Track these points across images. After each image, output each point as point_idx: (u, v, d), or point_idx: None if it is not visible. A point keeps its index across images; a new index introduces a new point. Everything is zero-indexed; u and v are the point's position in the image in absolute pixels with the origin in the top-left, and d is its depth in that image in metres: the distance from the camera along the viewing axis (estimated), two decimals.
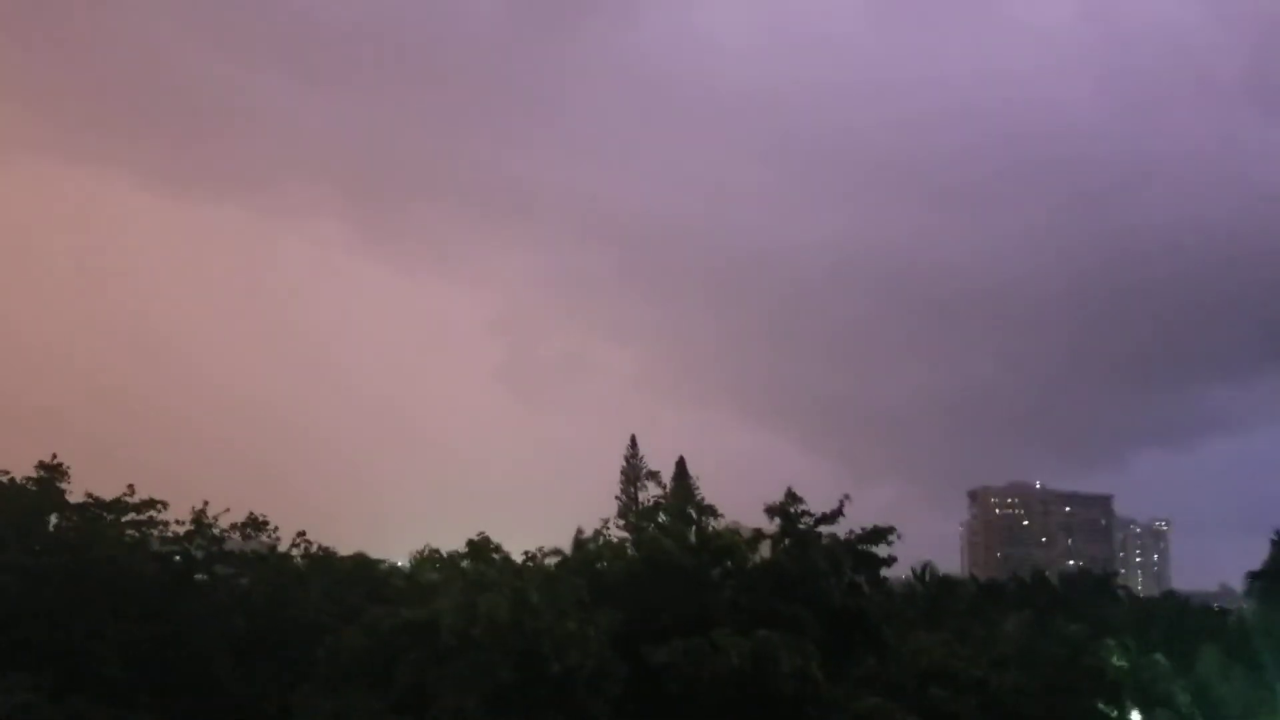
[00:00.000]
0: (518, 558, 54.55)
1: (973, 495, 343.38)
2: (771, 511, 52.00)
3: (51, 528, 51.35)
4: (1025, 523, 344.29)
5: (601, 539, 53.41)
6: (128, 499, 50.64)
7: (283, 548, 54.08)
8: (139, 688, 44.18)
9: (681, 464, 52.23)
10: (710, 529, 52.37)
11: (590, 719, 43.01)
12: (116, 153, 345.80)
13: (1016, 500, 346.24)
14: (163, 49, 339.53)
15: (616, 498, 50.80)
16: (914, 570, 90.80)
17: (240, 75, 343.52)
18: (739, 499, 54.18)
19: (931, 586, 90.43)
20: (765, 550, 52.17)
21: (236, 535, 52.04)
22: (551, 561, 53.27)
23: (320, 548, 54.22)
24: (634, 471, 51.71)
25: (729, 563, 51.09)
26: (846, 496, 51.96)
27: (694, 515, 52.35)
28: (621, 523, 51.14)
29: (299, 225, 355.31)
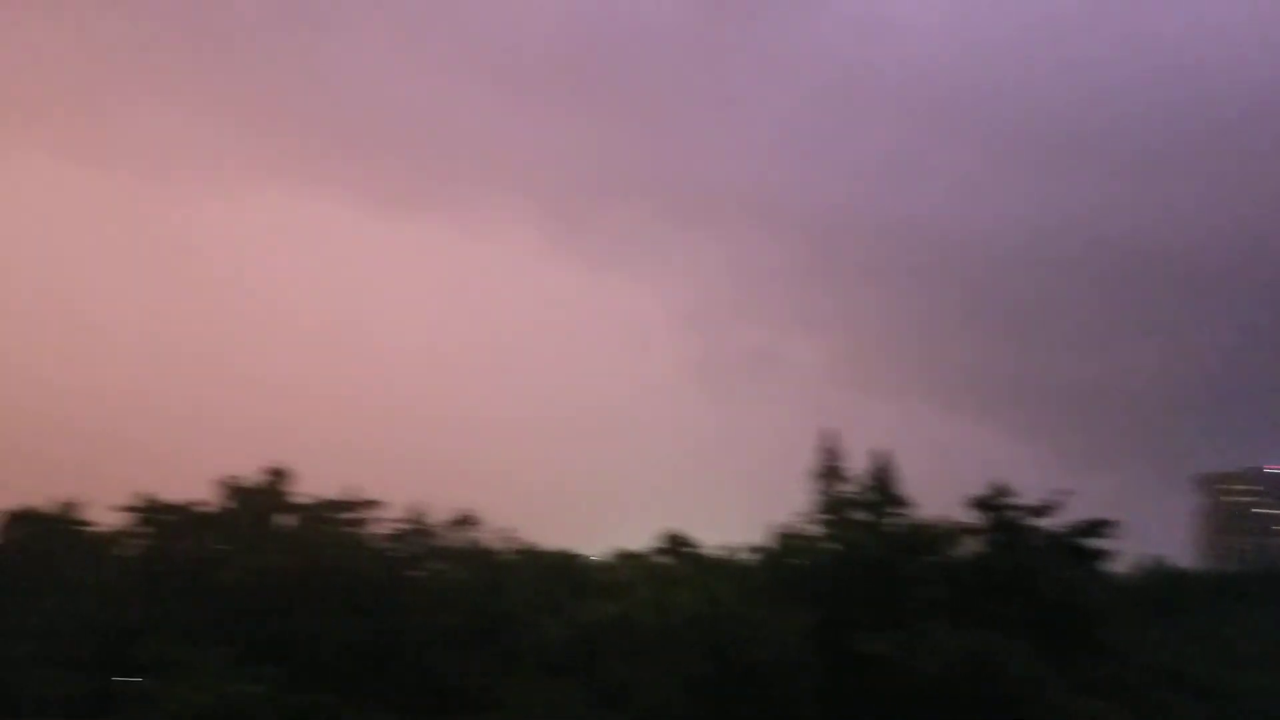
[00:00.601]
0: (714, 552, 54.91)
1: (1200, 481, 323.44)
2: (976, 504, 50.26)
3: (281, 527, 54.70)
4: (1258, 510, 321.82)
5: (796, 533, 52.99)
6: (347, 499, 53.53)
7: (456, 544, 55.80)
8: (364, 679, 46.57)
9: (877, 456, 51.20)
10: (909, 523, 51.09)
11: (785, 710, 42.85)
12: (332, 174, 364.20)
13: (1248, 486, 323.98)
14: (364, 71, 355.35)
15: (810, 491, 50.04)
16: (1139, 563, 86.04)
17: (439, 90, 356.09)
18: (940, 492, 52.45)
19: (1159, 580, 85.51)
20: (970, 545, 50.45)
21: (448, 531, 54.07)
22: (746, 556, 53.34)
23: (525, 543, 55.78)
24: (828, 464, 50.77)
25: (930, 557, 49.73)
26: (1064, 490, 49.37)
27: (891, 509, 51.22)
28: (816, 517, 50.42)
29: (497, 234, 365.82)
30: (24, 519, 50.81)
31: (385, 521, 53.78)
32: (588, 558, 58.87)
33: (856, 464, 51.05)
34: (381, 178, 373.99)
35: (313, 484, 55.10)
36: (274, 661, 44.73)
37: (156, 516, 53.40)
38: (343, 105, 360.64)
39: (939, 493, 52.43)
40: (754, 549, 52.83)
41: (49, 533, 50.56)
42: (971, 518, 50.42)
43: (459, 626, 50.30)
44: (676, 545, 51.71)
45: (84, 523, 52.26)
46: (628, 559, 54.06)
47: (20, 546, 50.56)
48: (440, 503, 53.87)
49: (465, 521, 54.32)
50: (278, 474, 55.68)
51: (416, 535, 53.66)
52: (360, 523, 53.30)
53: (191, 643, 44.21)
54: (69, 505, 51.75)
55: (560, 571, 54.93)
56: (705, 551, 55.27)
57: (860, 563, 48.11)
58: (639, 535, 54.85)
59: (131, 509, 52.87)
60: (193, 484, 55.04)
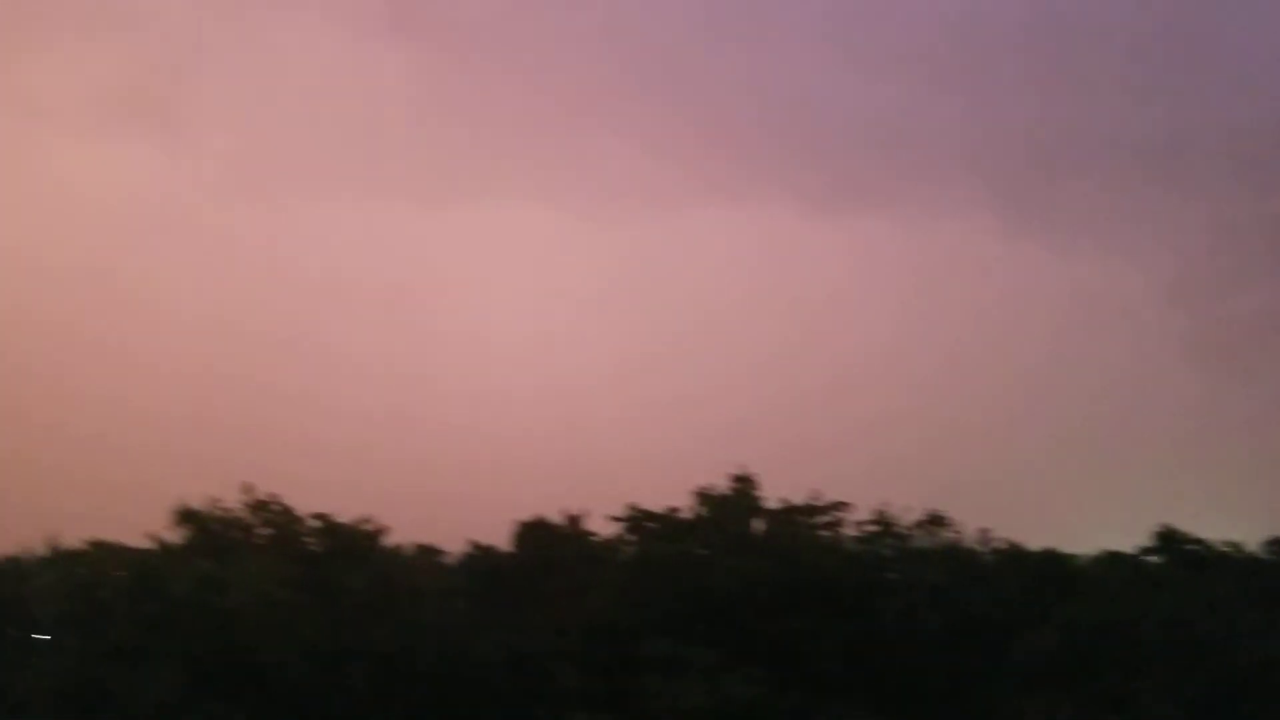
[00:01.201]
0: (1214, 549, 50.52)
1: None
2: None
3: (754, 532, 56.86)
4: None
5: None
6: (817, 502, 54.67)
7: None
8: (850, 684, 47.27)
9: None
10: None
11: None
12: (765, 182, 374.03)
13: None
14: (792, 73, 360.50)
15: None
16: None
17: (867, 88, 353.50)
18: None
19: None
20: None
21: (920, 532, 53.65)
22: (1251, 552, 48.59)
23: (1007, 543, 53.87)
24: None
25: None
26: None
27: None
28: None
29: (945, 225, 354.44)
30: (533, 528, 56.59)
31: (856, 524, 54.38)
32: (1076, 558, 55.97)
33: None
34: (816, 180, 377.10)
35: (781, 488, 57.01)
36: (761, 664, 46.64)
37: (642, 524, 57.38)
38: (767, 112, 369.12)
39: None
40: (1268, 544, 47.97)
41: (555, 540, 55.87)
42: None
43: (938, 631, 49.72)
44: (1171, 542, 47.95)
45: (586, 531, 57.23)
46: (1118, 559, 50.77)
47: (529, 553, 56.23)
48: (912, 504, 53.64)
49: (937, 522, 53.63)
50: (745, 480, 58.03)
51: (887, 537, 53.77)
52: (832, 525, 54.22)
53: (685, 644, 47.06)
54: (573, 515, 56.92)
55: (1046, 573, 52.57)
56: (1203, 549, 50.87)
57: None
58: (1130, 532, 51.37)
59: (622, 518, 57.19)
60: (676, 493, 58.60)
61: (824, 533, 54.36)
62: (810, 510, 54.92)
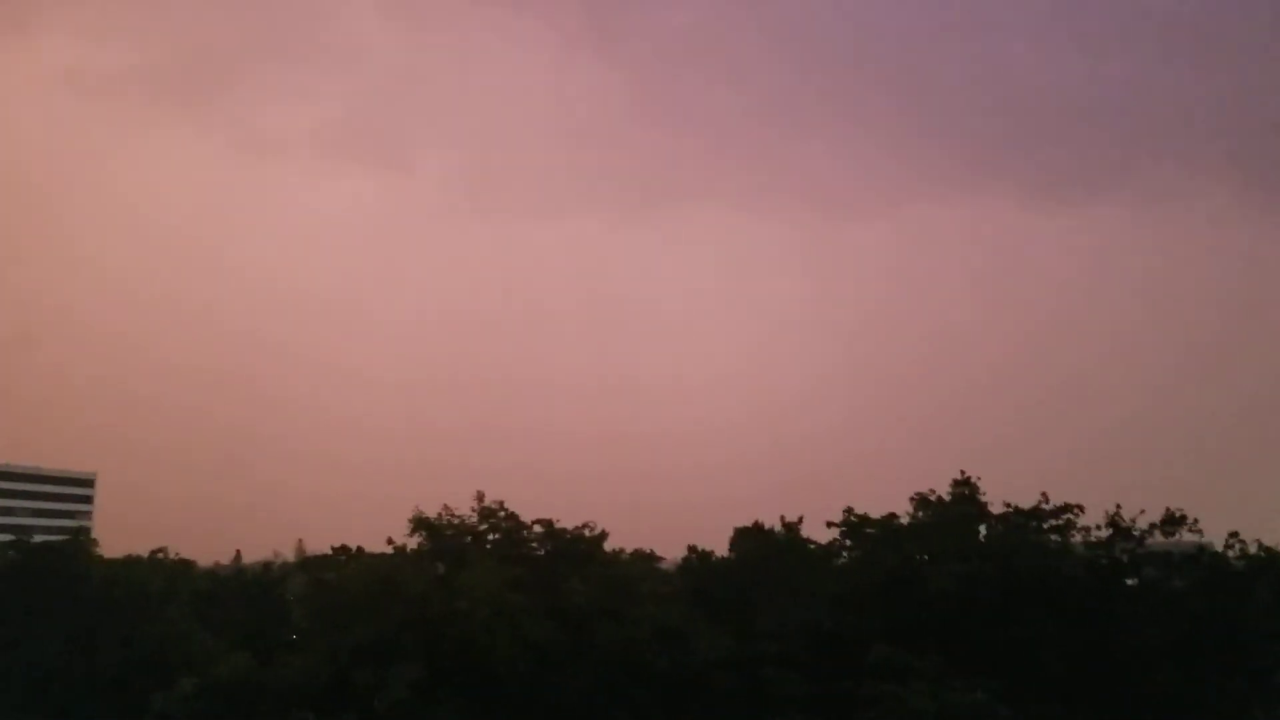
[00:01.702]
0: None
1: None
2: None
3: (980, 537, 55.28)
4: None
5: None
6: (1045, 506, 52.65)
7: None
8: (1078, 693, 45.34)
9: None
10: None
11: None
12: (995, 177, 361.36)
13: None
14: (1010, 59, 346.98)
15: None
16: None
17: (1090, 67, 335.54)
18: None
19: None
20: None
21: (1158, 535, 50.91)
22: None
23: (1261, 546, 50.12)
24: None
25: None
26: None
27: None
28: None
29: (1183, 205, 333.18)
30: (750, 534, 56.81)
31: (1088, 529, 52.11)
32: None
33: None
34: (1041, 168, 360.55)
35: (1006, 493, 55.39)
36: (985, 671, 45.25)
37: (860, 530, 56.70)
38: (986, 101, 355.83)
39: None
40: None
41: (772, 546, 55.91)
42: None
43: (1182, 638, 47.06)
44: None
45: (803, 537, 57.05)
46: None
47: (747, 558, 56.41)
48: (1150, 508, 51.01)
49: (1176, 524, 50.76)
50: (967, 485, 56.56)
51: (1122, 541, 51.24)
52: (1061, 530, 52.14)
53: (909, 650, 46.18)
54: (789, 522, 56.85)
55: None
56: None
57: None
58: None
59: (839, 524, 56.68)
60: (891, 500, 57.95)
61: (1053, 537, 52.29)
62: (1038, 514, 52.98)
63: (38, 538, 62.55)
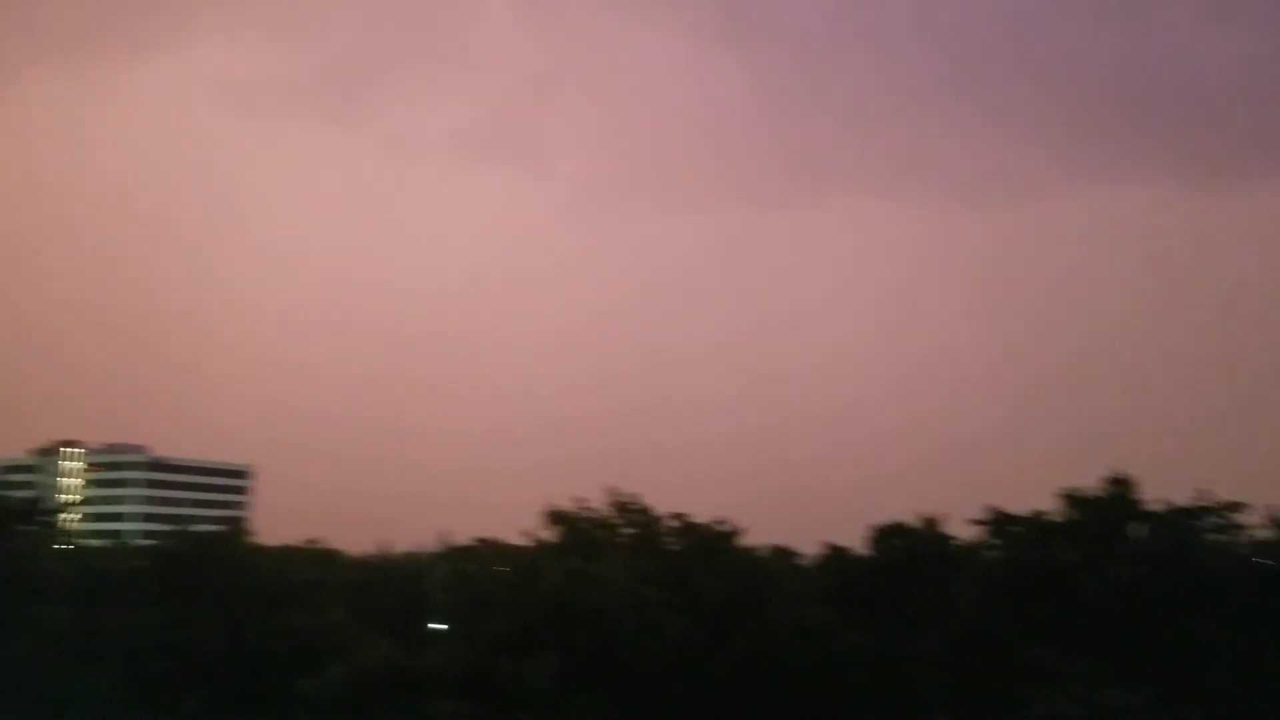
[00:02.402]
0: None
1: None
2: None
3: (1132, 536, 52.95)
4: None
5: None
6: (1206, 503, 50.07)
7: None
8: (1242, 698, 43.06)
9: None
10: None
11: None
12: (1144, 161, 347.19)
13: None
14: (1152, 35, 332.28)
15: None
16: None
17: (1239, 39, 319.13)
18: None
19: None
20: None
21: None
22: None
23: None
24: None
25: None
26: None
27: None
28: None
29: None
30: (890, 531, 55.57)
31: (1252, 528, 49.41)
32: None
33: None
34: (1194, 150, 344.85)
35: (1162, 488, 53.03)
36: (1142, 675, 43.39)
37: (1007, 528, 54.89)
38: (1129, 82, 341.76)
39: None
40: None
41: (913, 544, 54.58)
42: None
43: None
44: None
45: (945, 535, 55.58)
46: None
47: (887, 556, 55.20)
48: None
49: None
50: (1121, 481, 54.29)
51: None
52: (1225, 528, 49.52)
53: (1059, 652, 44.57)
54: (930, 518, 55.44)
55: None
56: None
57: None
58: None
59: (983, 521, 55.00)
60: (1038, 496, 55.95)
61: (1216, 536, 49.67)
62: (1198, 512, 50.41)
63: (198, 527, 65.46)
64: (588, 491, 56.33)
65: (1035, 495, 56.63)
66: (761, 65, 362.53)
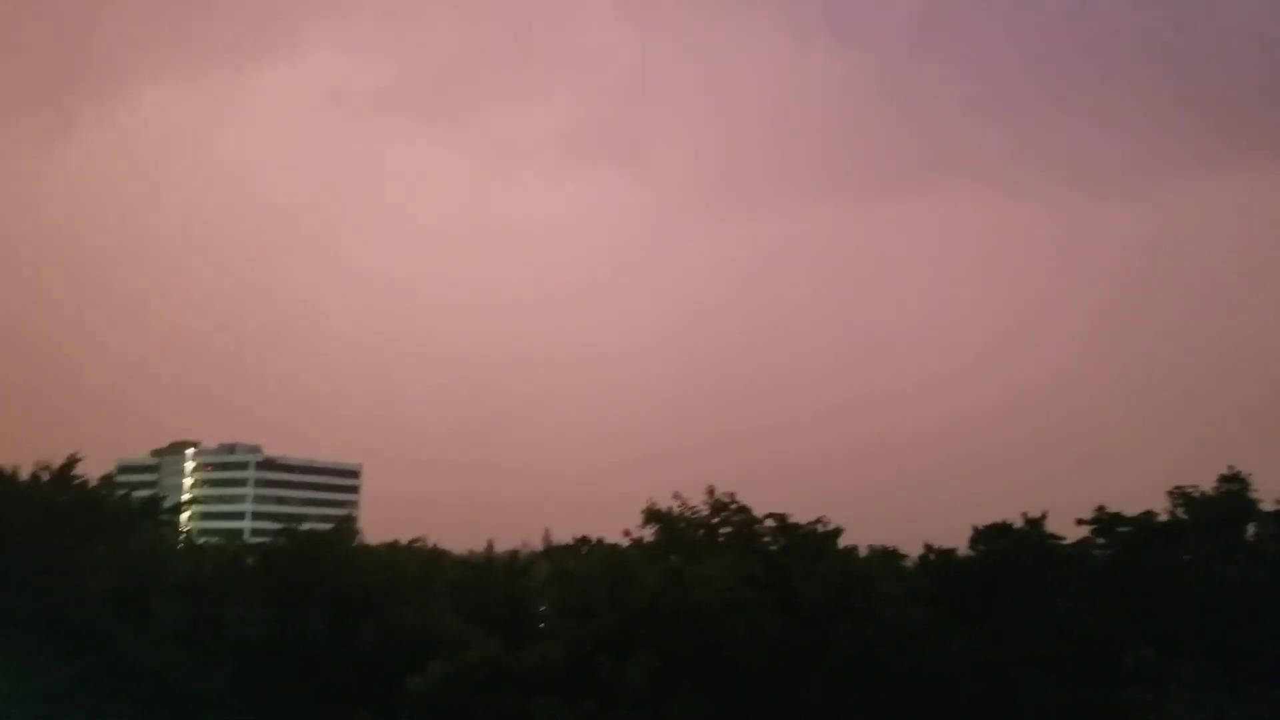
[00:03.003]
0: None
1: None
2: None
3: (1249, 537, 51.51)
4: None
5: None
6: None
7: None
8: None
9: None
10: None
11: None
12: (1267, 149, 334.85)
13: None
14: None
15: None
16: None
17: None
18: None
19: None
20: None
21: None
22: None
23: None
24: None
25: None
26: None
27: None
28: None
29: None
30: (993, 532, 54.66)
31: None
32: None
33: None
34: None
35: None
36: (1256, 681, 42.14)
37: (1114, 529, 53.72)
38: (1247, 67, 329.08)
39: None
40: None
41: (1017, 545, 53.60)
42: None
43: None
44: None
45: (1049, 535, 54.51)
46: None
47: (990, 557, 54.29)
48: None
49: None
50: (1236, 480, 52.84)
51: None
52: None
53: (1168, 655, 43.56)
54: (1034, 519, 54.41)
55: None
56: None
57: None
58: None
59: (1090, 522, 53.90)
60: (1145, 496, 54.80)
61: None
62: None
63: (308, 525, 67.31)
64: (689, 488, 56.44)
65: (1143, 495, 55.53)
66: (863, 59, 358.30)
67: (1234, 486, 52.58)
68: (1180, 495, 53.02)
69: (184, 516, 79.95)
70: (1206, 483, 52.59)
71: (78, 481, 58.34)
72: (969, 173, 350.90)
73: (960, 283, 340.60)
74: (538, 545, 72.78)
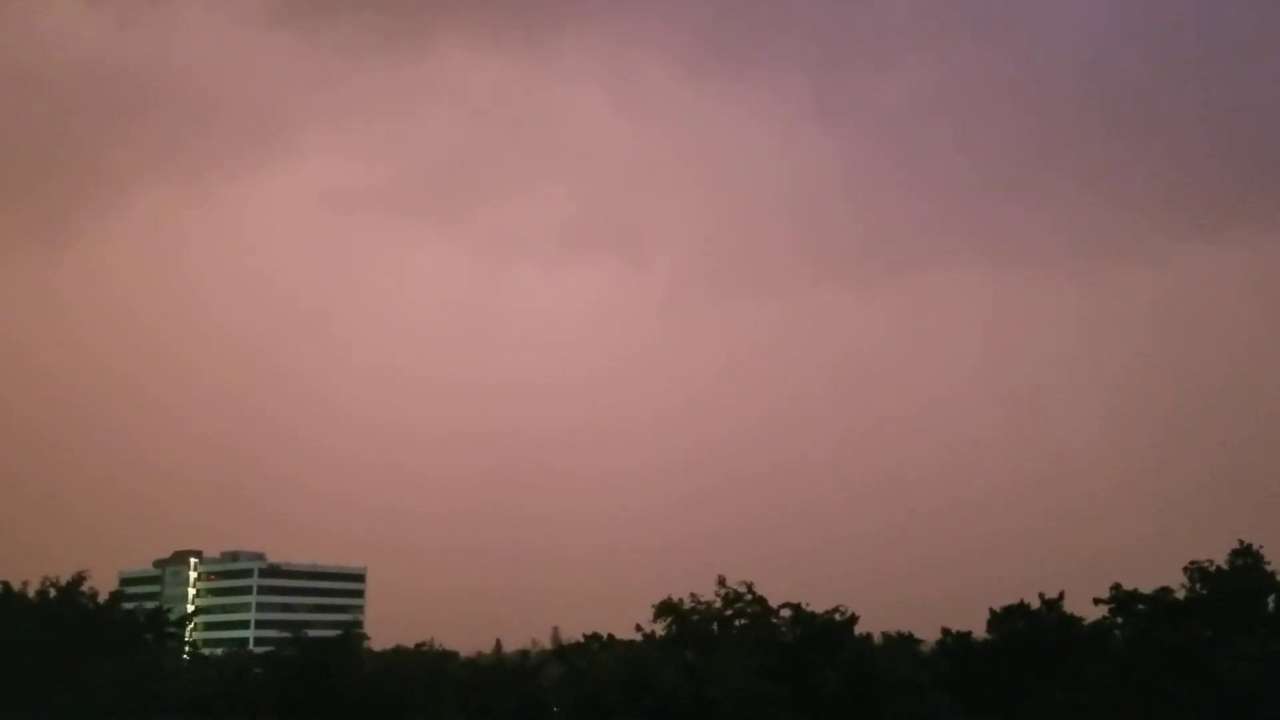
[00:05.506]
0: None
1: None
2: None
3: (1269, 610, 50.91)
4: None
5: None
6: None
7: None
8: None
9: None
10: None
11: None
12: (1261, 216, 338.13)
13: None
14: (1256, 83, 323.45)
15: None
16: None
17: None
18: None
19: None
20: None
21: None
22: None
23: None
24: None
25: None
26: None
27: None
28: None
29: None
30: (1011, 614, 53.94)
31: None
32: None
33: None
34: None
35: None
36: None
37: (1132, 606, 53.10)
38: (1237, 136, 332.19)
39: None
40: None
41: (1036, 626, 52.88)
42: None
43: None
44: None
45: (1068, 615, 53.79)
46: None
47: (1009, 640, 53.49)
48: None
49: None
50: (1248, 554, 52.49)
51: None
52: None
53: None
54: (1050, 599, 53.73)
55: None
56: None
57: None
58: None
59: (1107, 600, 53.30)
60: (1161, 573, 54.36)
61: None
62: None
63: (314, 631, 66.53)
64: (700, 575, 55.60)
65: (1159, 572, 55.00)
66: (857, 141, 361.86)
67: (1247, 560, 52.21)
68: (1196, 570, 52.54)
69: (190, 627, 78.87)
70: (1220, 557, 52.18)
71: (85, 597, 57.85)
72: (972, 246, 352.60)
73: (968, 358, 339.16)
74: (547, 643, 71.76)
